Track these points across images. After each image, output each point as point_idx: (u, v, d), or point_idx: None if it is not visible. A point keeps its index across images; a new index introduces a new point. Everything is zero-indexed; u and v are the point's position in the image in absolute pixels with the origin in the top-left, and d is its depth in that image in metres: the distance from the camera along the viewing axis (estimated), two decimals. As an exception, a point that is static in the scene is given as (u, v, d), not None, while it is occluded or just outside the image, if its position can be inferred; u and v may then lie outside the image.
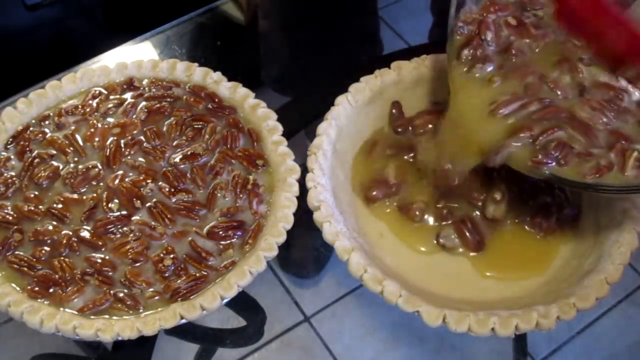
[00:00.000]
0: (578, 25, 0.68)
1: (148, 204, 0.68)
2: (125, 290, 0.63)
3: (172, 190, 0.69)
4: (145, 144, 0.73)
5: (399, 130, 0.77)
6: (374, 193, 0.72)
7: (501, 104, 0.64)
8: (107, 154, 0.71)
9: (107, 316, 0.62)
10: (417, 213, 0.71)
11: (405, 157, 0.75)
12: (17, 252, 0.65)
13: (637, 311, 0.72)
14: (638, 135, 0.63)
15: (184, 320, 0.62)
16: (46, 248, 0.65)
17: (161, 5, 0.96)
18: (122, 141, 0.73)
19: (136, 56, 0.81)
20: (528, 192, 0.71)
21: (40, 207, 0.68)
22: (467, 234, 0.69)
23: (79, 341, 0.66)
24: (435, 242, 0.70)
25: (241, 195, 0.69)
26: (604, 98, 0.65)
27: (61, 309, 0.62)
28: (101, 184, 0.70)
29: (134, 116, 0.75)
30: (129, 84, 0.77)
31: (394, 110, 0.77)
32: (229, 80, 0.78)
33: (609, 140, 0.63)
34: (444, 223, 0.71)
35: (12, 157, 0.72)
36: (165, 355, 0.67)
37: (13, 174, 0.70)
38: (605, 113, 0.64)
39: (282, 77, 0.95)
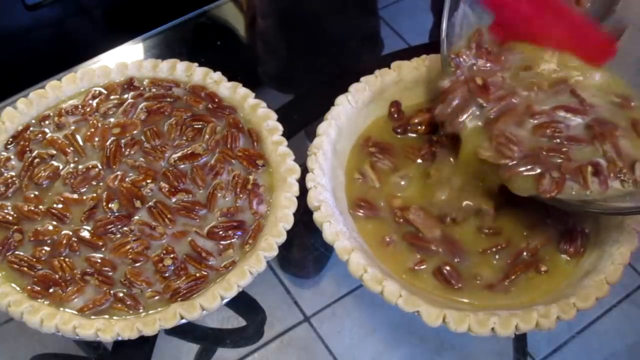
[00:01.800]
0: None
1: (148, 204, 0.68)
2: (125, 290, 0.63)
3: (172, 190, 0.69)
4: (145, 144, 0.73)
5: (399, 131, 0.77)
6: (360, 212, 0.70)
7: None
8: (107, 154, 0.71)
9: (107, 316, 0.62)
10: (388, 240, 0.69)
11: (382, 158, 0.74)
12: (17, 252, 0.65)
13: (637, 311, 0.72)
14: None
15: (184, 320, 0.62)
16: (46, 248, 0.65)
17: (161, 5, 0.96)
18: (122, 141, 0.73)
19: (136, 56, 0.81)
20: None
21: (40, 207, 0.68)
22: (446, 279, 0.66)
23: (79, 341, 0.66)
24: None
25: (241, 195, 0.69)
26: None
27: (61, 309, 0.62)
28: (101, 184, 0.70)
29: (134, 116, 0.75)
30: (129, 84, 0.77)
31: (392, 110, 0.77)
32: (229, 80, 0.78)
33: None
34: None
35: (12, 157, 0.72)
36: (165, 355, 0.67)
37: (13, 174, 0.70)
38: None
39: (282, 76, 0.95)
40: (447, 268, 0.66)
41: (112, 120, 0.75)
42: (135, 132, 0.74)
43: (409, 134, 0.77)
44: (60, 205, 0.68)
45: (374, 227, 0.70)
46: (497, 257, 0.67)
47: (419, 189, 0.72)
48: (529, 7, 0.70)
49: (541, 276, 0.66)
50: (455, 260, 0.67)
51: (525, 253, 0.67)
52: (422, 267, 0.66)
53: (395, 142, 0.76)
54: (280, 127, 0.74)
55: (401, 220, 0.69)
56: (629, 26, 0.71)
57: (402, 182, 0.73)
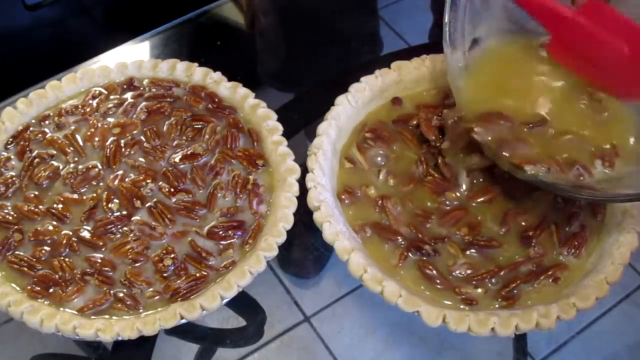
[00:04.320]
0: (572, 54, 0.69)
1: (148, 204, 0.68)
2: (125, 290, 0.63)
3: (172, 190, 0.69)
4: (145, 144, 0.73)
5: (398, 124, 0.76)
6: (342, 197, 0.70)
7: None
8: (107, 154, 0.71)
9: (107, 316, 0.62)
10: (367, 232, 0.68)
11: (373, 145, 0.74)
12: (17, 252, 0.65)
13: (637, 311, 0.72)
14: None
15: (184, 320, 0.62)
16: (46, 248, 0.65)
17: (161, 5, 0.96)
18: (122, 141, 0.73)
19: (136, 56, 0.81)
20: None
21: (40, 207, 0.68)
22: (430, 275, 0.65)
23: (79, 341, 0.66)
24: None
25: (241, 195, 0.69)
26: None
27: (61, 309, 0.62)
28: (101, 184, 0.70)
29: (134, 116, 0.75)
30: (129, 84, 0.77)
31: (393, 107, 0.77)
32: (229, 80, 0.78)
33: None
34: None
35: (12, 157, 0.72)
36: (165, 355, 0.67)
37: (13, 174, 0.70)
38: None
39: (282, 75, 0.95)
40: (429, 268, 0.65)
41: (112, 120, 0.75)
42: (135, 132, 0.74)
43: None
44: (60, 205, 0.68)
45: (354, 213, 0.70)
46: (493, 281, 0.65)
47: (407, 184, 0.72)
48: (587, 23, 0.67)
49: (555, 285, 0.65)
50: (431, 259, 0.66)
51: (523, 266, 0.66)
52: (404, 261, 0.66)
53: (392, 129, 0.76)
54: (280, 127, 0.74)
55: (379, 207, 0.69)
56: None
57: (391, 182, 0.72)
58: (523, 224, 0.68)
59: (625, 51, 0.66)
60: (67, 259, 0.64)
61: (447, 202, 0.70)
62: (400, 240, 0.67)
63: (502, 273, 0.65)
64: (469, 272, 0.65)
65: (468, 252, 0.66)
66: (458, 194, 0.70)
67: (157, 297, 0.63)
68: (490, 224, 0.68)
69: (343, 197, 0.70)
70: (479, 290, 0.64)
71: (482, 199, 0.70)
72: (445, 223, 0.68)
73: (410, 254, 0.66)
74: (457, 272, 0.65)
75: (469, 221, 0.68)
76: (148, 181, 0.70)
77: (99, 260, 0.65)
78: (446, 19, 0.71)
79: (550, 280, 0.65)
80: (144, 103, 0.76)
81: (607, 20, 0.66)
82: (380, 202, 0.69)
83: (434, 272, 0.65)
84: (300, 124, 0.81)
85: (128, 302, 0.62)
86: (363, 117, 0.76)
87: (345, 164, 0.73)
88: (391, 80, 0.77)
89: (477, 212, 0.69)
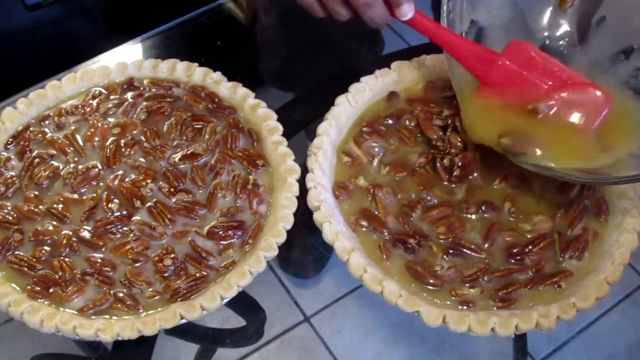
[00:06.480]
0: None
1: (148, 204, 0.68)
2: (125, 290, 0.63)
3: (172, 190, 0.69)
4: (145, 144, 0.73)
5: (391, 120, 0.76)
6: (337, 193, 0.70)
7: None
8: (107, 154, 0.71)
9: (107, 316, 0.62)
10: (360, 223, 0.68)
11: (369, 138, 0.74)
12: (17, 252, 0.65)
13: (637, 311, 0.72)
14: None
15: (184, 320, 0.62)
16: (46, 248, 0.65)
17: (161, 5, 0.96)
18: (122, 141, 0.73)
19: (136, 56, 0.81)
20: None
21: (40, 207, 0.68)
22: (419, 273, 0.65)
23: (79, 341, 0.66)
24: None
25: (241, 195, 0.69)
26: None
27: (61, 309, 0.62)
28: (101, 184, 0.70)
29: (134, 116, 0.75)
30: (129, 84, 0.77)
31: (389, 102, 0.77)
32: (229, 80, 0.78)
33: None
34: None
35: (12, 157, 0.72)
36: (165, 355, 0.67)
37: (13, 174, 0.70)
38: None
39: (282, 75, 0.95)
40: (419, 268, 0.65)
41: (112, 120, 0.75)
42: (135, 132, 0.74)
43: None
44: (60, 205, 0.68)
45: (349, 207, 0.70)
46: (485, 278, 0.65)
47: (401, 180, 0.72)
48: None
49: (559, 289, 0.64)
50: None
51: (519, 274, 0.65)
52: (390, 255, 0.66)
53: (389, 125, 0.76)
54: (280, 127, 0.74)
55: (370, 195, 0.69)
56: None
57: (384, 170, 0.72)
58: (508, 240, 0.67)
59: (549, 86, 0.69)
60: (67, 259, 0.64)
61: (429, 198, 0.70)
62: (385, 233, 0.67)
63: (495, 274, 0.65)
64: (457, 275, 0.65)
65: (448, 257, 0.66)
66: (444, 195, 0.70)
67: (157, 297, 0.63)
68: (473, 234, 0.68)
69: (337, 193, 0.70)
70: (474, 290, 0.64)
71: (470, 211, 0.69)
72: (427, 218, 0.68)
73: (395, 248, 0.66)
74: (445, 274, 0.65)
75: (452, 222, 0.68)
76: (148, 181, 0.70)
77: (99, 260, 0.65)
78: None
79: (555, 287, 0.64)
80: (144, 103, 0.76)
81: (529, 59, 0.70)
82: (372, 190, 0.69)
83: (420, 269, 0.64)
84: (300, 124, 0.81)
85: (128, 302, 0.62)
86: (362, 112, 0.77)
87: (343, 158, 0.73)
88: (391, 80, 0.77)
89: (465, 219, 0.69)
